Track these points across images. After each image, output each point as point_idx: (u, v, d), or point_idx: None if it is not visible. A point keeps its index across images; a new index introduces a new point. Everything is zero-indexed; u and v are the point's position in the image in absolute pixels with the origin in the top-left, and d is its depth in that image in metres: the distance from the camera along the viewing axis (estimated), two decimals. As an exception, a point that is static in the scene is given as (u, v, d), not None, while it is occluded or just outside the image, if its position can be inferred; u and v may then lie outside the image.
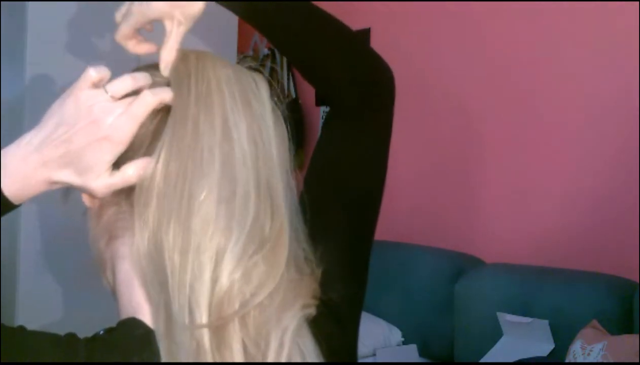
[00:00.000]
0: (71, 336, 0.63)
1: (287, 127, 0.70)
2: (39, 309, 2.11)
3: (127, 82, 0.66)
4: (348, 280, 0.73)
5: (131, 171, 0.65)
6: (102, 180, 0.65)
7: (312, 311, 0.65)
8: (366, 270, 0.77)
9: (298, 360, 0.62)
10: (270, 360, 0.61)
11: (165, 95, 0.66)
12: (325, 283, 0.68)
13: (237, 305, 0.61)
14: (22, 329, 0.64)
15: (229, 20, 2.53)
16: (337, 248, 0.72)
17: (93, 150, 0.63)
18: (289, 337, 0.62)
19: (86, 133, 0.63)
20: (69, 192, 0.70)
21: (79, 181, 0.65)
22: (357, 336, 0.75)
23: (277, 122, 0.69)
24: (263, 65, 3.61)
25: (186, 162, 0.63)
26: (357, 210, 0.75)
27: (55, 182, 0.65)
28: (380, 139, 0.77)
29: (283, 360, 0.61)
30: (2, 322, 0.64)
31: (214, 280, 0.61)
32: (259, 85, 0.69)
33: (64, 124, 0.64)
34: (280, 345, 0.62)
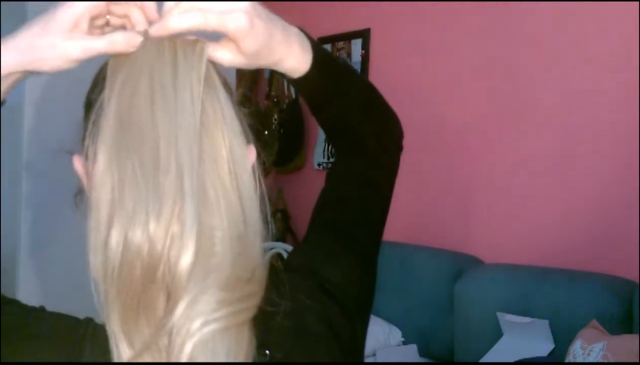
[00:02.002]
0: (89, 320, 0.66)
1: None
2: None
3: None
4: (359, 286, 0.77)
5: (120, 37, 0.64)
6: (78, 42, 0.63)
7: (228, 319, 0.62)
8: (375, 275, 0.81)
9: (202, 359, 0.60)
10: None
11: (129, 41, 0.64)
12: (339, 287, 0.73)
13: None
14: (42, 309, 0.68)
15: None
16: (350, 259, 0.78)
17: (54, 12, 0.63)
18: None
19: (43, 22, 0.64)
20: (82, 195, 0.70)
21: (45, 37, 0.63)
22: (365, 337, 0.78)
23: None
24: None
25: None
26: (369, 229, 0.82)
27: (20, 44, 0.64)
28: (392, 173, 0.87)
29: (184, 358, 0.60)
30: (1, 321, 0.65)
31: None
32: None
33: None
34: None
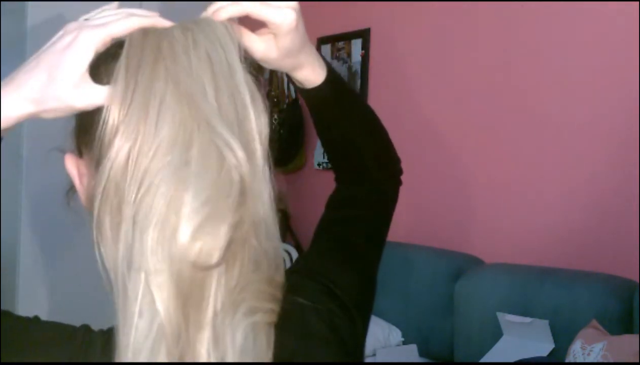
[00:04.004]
0: (86, 328, 0.65)
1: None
2: (39, 307, 2.11)
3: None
4: (362, 291, 0.79)
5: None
6: (84, 95, 0.63)
7: (260, 317, 0.62)
8: (375, 283, 0.83)
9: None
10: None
11: (152, 20, 0.65)
12: (344, 290, 0.75)
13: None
14: (37, 320, 0.66)
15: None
16: (353, 266, 0.80)
17: (60, 58, 0.62)
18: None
19: (52, 47, 0.63)
20: (72, 190, 0.69)
21: (52, 88, 0.62)
22: (365, 339, 0.79)
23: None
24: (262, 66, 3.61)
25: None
26: (371, 243, 0.85)
27: (28, 97, 0.63)
28: (392, 202, 0.89)
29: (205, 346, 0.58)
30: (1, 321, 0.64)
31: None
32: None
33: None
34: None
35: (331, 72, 0.79)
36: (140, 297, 0.56)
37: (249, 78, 0.64)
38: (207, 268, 0.57)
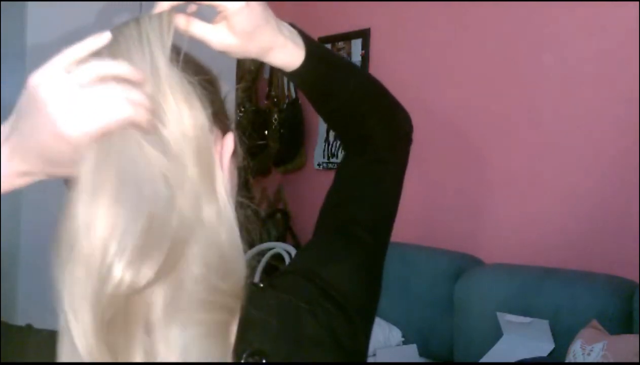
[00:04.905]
0: None
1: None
2: (39, 308, 2.11)
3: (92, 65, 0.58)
4: (364, 290, 0.76)
5: None
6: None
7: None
8: (380, 279, 0.80)
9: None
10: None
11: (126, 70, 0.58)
12: (343, 292, 0.71)
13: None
14: (29, 328, 0.65)
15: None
16: (354, 262, 0.76)
17: (46, 140, 0.56)
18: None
19: (31, 121, 0.57)
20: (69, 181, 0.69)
21: (52, 171, 0.59)
22: (368, 341, 0.76)
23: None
24: (262, 65, 3.61)
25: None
26: (375, 231, 0.80)
27: (26, 173, 0.60)
28: (401, 167, 0.84)
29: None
30: (2, 321, 0.64)
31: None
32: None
33: (16, 112, 0.59)
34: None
35: (311, 47, 0.72)
36: (63, 334, 0.56)
37: (178, 75, 0.58)
38: (133, 293, 0.55)
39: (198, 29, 0.65)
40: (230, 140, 0.67)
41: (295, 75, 0.73)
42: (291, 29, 0.71)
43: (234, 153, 0.68)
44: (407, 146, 0.85)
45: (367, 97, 0.80)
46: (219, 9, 0.64)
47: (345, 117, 0.80)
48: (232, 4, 0.63)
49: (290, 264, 0.80)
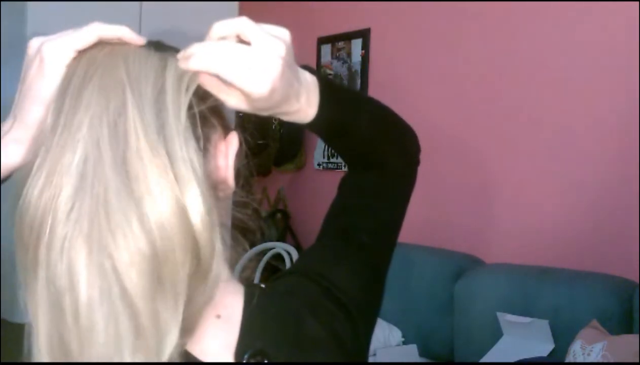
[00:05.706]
0: None
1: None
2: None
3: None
4: (366, 293, 0.76)
5: None
6: None
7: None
8: (383, 284, 0.80)
9: None
10: None
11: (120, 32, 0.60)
12: (345, 293, 0.72)
13: None
14: (30, 326, 0.64)
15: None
16: (357, 265, 0.76)
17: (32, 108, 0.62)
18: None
19: (27, 78, 0.63)
20: None
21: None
22: (369, 343, 0.76)
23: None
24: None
25: None
26: (379, 238, 0.81)
27: (16, 139, 0.64)
28: (410, 184, 0.85)
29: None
30: (2, 319, 0.64)
31: None
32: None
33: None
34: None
35: (323, 96, 0.68)
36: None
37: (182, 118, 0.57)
38: None
39: (214, 88, 0.60)
40: (235, 138, 0.66)
41: (307, 126, 0.69)
42: (308, 81, 0.66)
43: (238, 152, 0.67)
44: (416, 167, 0.86)
45: (379, 131, 0.80)
46: (243, 91, 0.58)
47: (357, 150, 0.80)
48: (257, 89, 0.57)
49: (292, 266, 0.79)
